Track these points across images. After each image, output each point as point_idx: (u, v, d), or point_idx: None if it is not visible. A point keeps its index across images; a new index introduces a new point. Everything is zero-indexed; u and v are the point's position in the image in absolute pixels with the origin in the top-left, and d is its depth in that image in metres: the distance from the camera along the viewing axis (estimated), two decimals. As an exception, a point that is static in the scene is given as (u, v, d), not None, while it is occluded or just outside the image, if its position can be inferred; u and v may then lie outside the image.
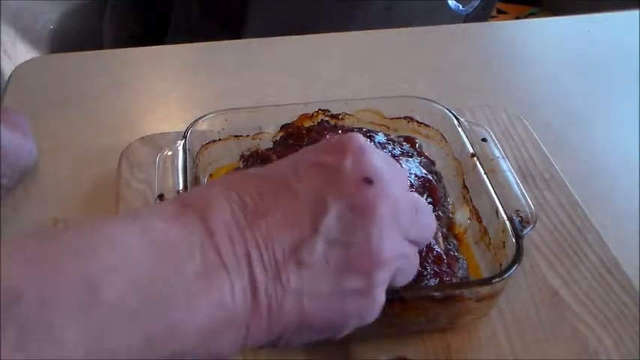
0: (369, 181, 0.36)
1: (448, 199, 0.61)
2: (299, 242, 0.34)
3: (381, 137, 0.62)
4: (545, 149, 0.71)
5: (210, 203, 0.34)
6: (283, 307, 0.34)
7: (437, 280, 0.50)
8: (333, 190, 0.36)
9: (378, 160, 0.38)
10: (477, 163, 0.59)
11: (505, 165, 0.58)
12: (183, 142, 0.59)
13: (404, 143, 0.63)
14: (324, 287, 0.35)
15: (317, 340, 0.38)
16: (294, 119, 0.65)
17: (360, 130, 0.63)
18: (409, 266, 0.41)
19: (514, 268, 0.49)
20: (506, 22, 1.94)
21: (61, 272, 0.28)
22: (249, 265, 0.33)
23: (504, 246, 0.53)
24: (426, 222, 0.42)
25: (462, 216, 0.60)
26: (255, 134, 0.65)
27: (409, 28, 0.98)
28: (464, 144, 0.61)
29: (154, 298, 0.30)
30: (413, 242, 0.41)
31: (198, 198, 0.35)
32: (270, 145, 0.63)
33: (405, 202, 0.39)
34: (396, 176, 0.39)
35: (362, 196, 0.36)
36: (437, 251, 0.51)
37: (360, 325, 0.39)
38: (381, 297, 0.38)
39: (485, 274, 0.54)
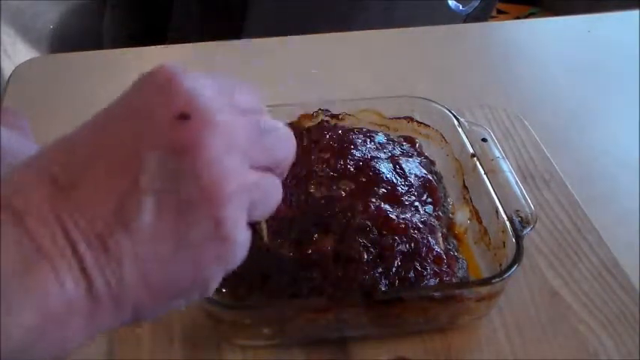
0: (184, 116, 0.31)
1: (448, 199, 0.61)
2: (120, 206, 0.30)
3: (381, 137, 0.62)
4: (545, 149, 0.71)
5: (17, 189, 0.30)
6: (124, 280, 0.30)
7: (437, 280, 0.50)
8: (146, 138, 0.31)
9: (195, 84, 0.33)
10: (477, 163, 0.59)
11: (505, 165, 0.58)
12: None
13: (404, 143, 0.63)
14: (165, 246, 0.31)
15: (185, 305, 0.34)
16: (294, 119, 0.65)
17: (360, 130, 0.63)
18: (266, 195, 0.36)
19: (514, 268, 0.49)
20: (506, 22, 1.94)
21: None
22: (72, 246, 0.29)
23: (504, 246, 0.53)
24: (273, 142, 0.36)
25: (462, 216, 0.60)
26: (255, 134, 0.65)
27: (409, 28, 0.97)
28: (464, 144, 0.61)
29: None
30: (264, 168, 0.35)
31: (6, 185, 0.30)
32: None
33: (241, 126, 0.34)
34: (221, 95, 0.34)
35: (180, 137, 0.31)
36: (437, 251, 0.51)
37: (227, 271, 0.34)
38: (240, 236, 0.33)
39: (486, 274, 0.54)
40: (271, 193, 0.37)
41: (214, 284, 0.34)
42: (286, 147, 0.38)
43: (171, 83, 0.33)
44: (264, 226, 0.48)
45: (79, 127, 0.33)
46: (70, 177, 0.30)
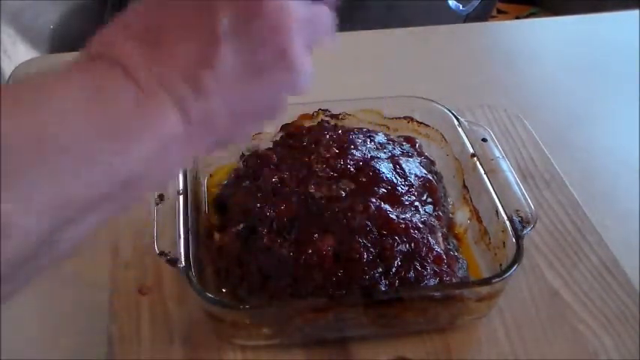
0: None
1: (448, 199, 0.61)
2: (205, 48, 0.35)
3: (381, 137, 0.62)
4: (545, 149, 0.71)
5: (113, 47, 0.35)
6: (213, 109, 0.36)
7: (437, 280, 0.50)
8: None
9: None
10: (477, 163, 0.59)
11: (505, 165, 0.58)
12: (183, 142, 0.59)
13: (404, 143, 0.63)
14: (243, 76, 0.36)
15: (257, 129, 0.41)
16: (294, 119, 0.65)
17: (360, 130, 0.63)
18: (321, 22, 0.42)
19: (514, 268, 0.49)
20: (506, 22, 1.94)
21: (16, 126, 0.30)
22: (170, 84, 0.34)
23: (504, 246, 0.53)
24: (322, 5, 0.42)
25: (462, 216, 0.60)
26: (255, 134, 0.65)
27: (409, 28, 0.97)
28: (464, 144, 0.61)
29: (98, 134, 0.32)
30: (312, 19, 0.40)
31: (105, 42, 0.36)
32: (270, 145, 0.63)
33: None
34: None
35: None
36: (437, 251, 0.51)
37: (294, 94, 0.40)
38: (303, 65, 0.39)
39: (486, 274, 0.54)
40: (325, 20, 0.42)
41: (283, 107, 0.41)
42: (326, 14, 0.43)
43: None
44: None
45: None
46: (155, 34, 0.35)
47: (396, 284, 0.49)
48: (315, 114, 0.66)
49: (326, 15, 0.42)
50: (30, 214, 0.29)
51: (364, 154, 0.58)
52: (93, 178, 0.31)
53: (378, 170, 0.56)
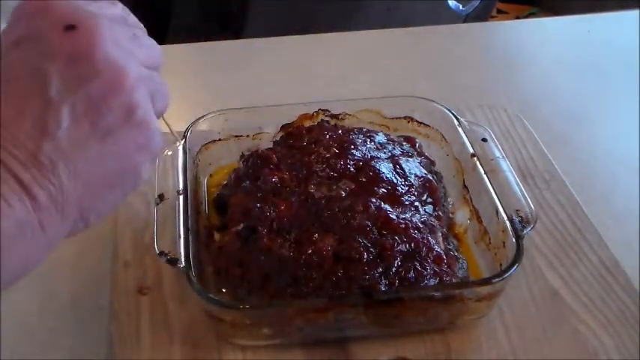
0: (70, 27, 0.35)
1: (448, 199, 0.61)
2: (40, 122, 0.33)
3: (381, 137, 0.62)
4: (545, 149, 0.71)
5: None
6: (62, 186, 0.33)
7: (437, 280, 0.50)
8: (43, 56, 0.34)
9: (69, 1, 0.36)
10: (477, 163, 0.59)
11: (505, 165, 0.58)
12: (183, 142, 0.59)
13: (404, 143, 0.63)
14: (90, 144, 0.34)
15: (124, 196, 0.38)
16: (294, 119, 0.65)
17: (360, 130, 0.63)
18: (160, 87, 0.40)
19: (514, 268, 0.49)
20: (506, 22, 1.94)
21: None
22: (8, 170, 0.32)
23: (504, 246, 0.53)
24: (148, 43, 0.41)
25: (462, 216, 0.60)
26: (255, 134, 0.65)
27: (409, 28, 0.98)
28: (464, 144, 0.61)
29: None
30: (147, 66, 0.39)
31: None
32: (270, 145, 0.63)
33: (120, 30, 0.38)
34: (100, 8, 0.38)
35: (73, 45, 0.35)
36: (437, 251, 0.51)
37: (152, 157, 0.39)
38: (153, 122, 0.38)
39: (486, 274, 0.54)
40: (164, 87, 0.41)
41: (145, 172, 0.38)
42: (158, 47, 0.42)
43: (47, 5, 0.36)
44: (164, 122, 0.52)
45: None
46: None
47: (396, 284, 0.49)
48: (315, 114, 0.66)
49: (163, 82, 0.41)
50: None
51: (364, 154, 0.58)
52: None
53: (378, 170, 0.56)
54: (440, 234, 0.54)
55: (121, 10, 0.40)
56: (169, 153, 0.58)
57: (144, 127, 0.37)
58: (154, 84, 0.39)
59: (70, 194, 0.34)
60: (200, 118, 0.62)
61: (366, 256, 0.49)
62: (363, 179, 0.55)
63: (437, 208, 0.57)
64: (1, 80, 0.34)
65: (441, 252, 0.52)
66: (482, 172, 0.58)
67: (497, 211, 0.54)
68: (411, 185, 0.56)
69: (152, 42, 0.41)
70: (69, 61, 0.34)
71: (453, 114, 0.64)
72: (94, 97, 0.34)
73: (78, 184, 0.34)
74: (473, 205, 0.59)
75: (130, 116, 0.36)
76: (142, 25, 0.42)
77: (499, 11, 2.26)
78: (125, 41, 0.38)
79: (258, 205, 0.54)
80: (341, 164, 0.56)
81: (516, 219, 0.53)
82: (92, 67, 0.35)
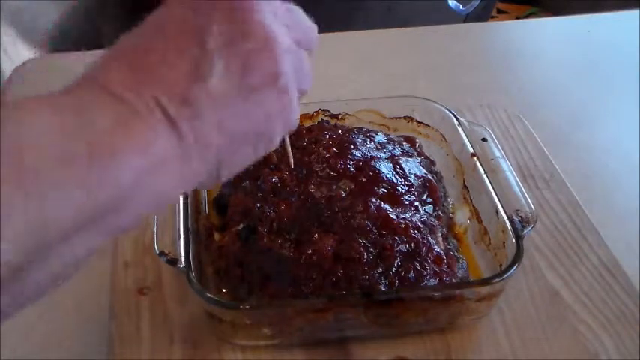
0: None
1: (448, 199, 0.61)
2: (194, 67, 0.35)
3: (381, 137, 0.62)
4: (545, 149, 0.71)
5: (102, 73, 0.35)
6: (205, 129, 0.35)
7: (437, 280, 0.50)
8: (204, 13, 0.36)
9: None
10: (477, 163, 0.59)
11: (505, 165, 0.58)
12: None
13: (404, 143, 0.63)
14: (236, 96, 0.36)
15: (255, 158, 0.39)
16: (294, 119, 0.65)
17: (360, 130, 0.63)
18: (305, 67, 0.42)
19: (514, 268, 0.49)
20: (506, 22, 1.94)
21: None
22: (159, 104, 0.33)
23: (504, 246, 0.53)
24: (302, 19, 0.43)
25: (462, 216, 0.60)
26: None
27: (409, 28, 0.98)
28: (464, 144, 0.61)
29: (76, 151, 0.30)
30: (298, 42, 0.41)
31: (91, 73, 0.35)
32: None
33: (277, 2, 0.40)
34: None
35: (232, 6, 0.37)
36: (437, 251, 0.51)
37: (287, 128, 0.40)
38: (294, 95, 0.39)
39: (486, 274, 0.54)
40: (307, 67, 0.42)
41: (277, 138, 0.40)
42: (312, 26, 0.44)
43: None
44: (289, 148, 0.54)
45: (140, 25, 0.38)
46: (143, 58, 0.35)
47: (396, 284, 0.49)
48: (315, 114, 0.66)
49: (307, 60, 0.42)
50: (7, 240, 0.28)
51: (364, 154, 0.58)
52: (69, 199, 0.30)
53: (378, 170, 0.56)
54: (440, 234, 0.54)
55: None
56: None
57: (285, 94, 0.38)
58: (300, 62, 0.40)
59: (211, 140, 0.35)
60: (200, 118, 0.62)
61: (366, 256, 0.50)
62: (363, 179, 0.55)
63: (437, 208, 0.57)
64: (161, 24, 0.37)
65: (441, 252, 0.52)
66: (482, 172, 0.58)
67: (497, 211, 0.54)
68: (411, 185, 0.56)
69: (310, 24, 0.44)
70: (226, 17, 0.36)
71: (453, 114, 0.64)
72: (245, 55, 0.36)
73: (219, 129, 0.36)
74: (473, 205, 0.59)
75: (274, 81, 0.37)
76: (292, 4, 0.43)
77: (499, 11, 2.26)
78: (281, 11, 0.40)
79: (258, 205, 0.54)
80: (341, 164, 0.56)
81: (516, 219, 0.53)
82: (247, 28, 0.37)
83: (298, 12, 0.43)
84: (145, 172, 0.32)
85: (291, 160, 0.55)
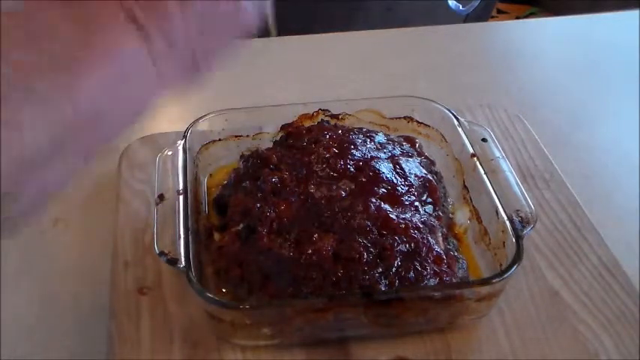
0: None
1: (448, 199, 0.61)
2: None
3: (381, 137, 0.62)
4: (545, 149, 0.71)
5: None
6: (173, 20, 0.34)
7: (437, 280, 0.50)
8: None
9: None
10: (477, 163, 0.59)
11: (505, 165, 0.58)
12: (183, 142, 0.59)
13: (404, 143, 0.63)
14: None
15: (230, 44, 0.38)
16: (294, 119, 0.65)
17: (360, 130, 0.63)
18: None
19: (514, 268, 0.49)
20: (506, 22, 1.94)
21: None
22: (122, 8, 0.32)
23: (504, 246, 0.53)
24: None
25: (462, 216, 0.60)
26: (255, 134, 0.65)
27: (409, 28, 0.98)
28: (464, 144, 0.61)
29: (39, 67, 0.29)
30: None
31: None
32: (270, 145, 0.63)
33: None
34: None
35: None
36: (437, 251, 0.51)
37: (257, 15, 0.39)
38: None
39: (486, 274, 0.54)
40: None
41: (248, 17, 0.38)
42: None
43: None
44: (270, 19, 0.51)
45: None
46: None
47: (396, 284, 0.49)
48: (315, 114, 0.66)
49: None
50: None
51: (364, 154, 0.58)
52: (42, 116, 0.29)
53: (378, 170, 0.56)
54: (440, 234, 0.54)
55: None
56: (169, 153, 0.58)
57: None
58: None
59: (180, 30, 0.34)
60: (200, 118, 0.62)
61: (366, 256, 0.50)
62: (363, 179, 0.55)
63: (437, 208, 0.57)
64: None
65: (441, 252, 0.52)
66: (482, 172, 0.58)
67: (497, 211, 0.54)
68: (411, 185, 0.56)
69: None
70: None
71: (453, 114, 0.64)
72: None
73: (188, 20, 0.34)
74: (473, 205, 0.59)
75: None
76: None
77: (499, 11, 2.26)
78: None
79: (258, 205, 0.54)
80: (341, 164, 0.56)
81: (516, 219, 0.53)
82: None
83: None
84: (115, 79, 0.32)
85: (274, 32, 0.53)
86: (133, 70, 0.32)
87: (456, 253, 0.55)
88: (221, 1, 0.36)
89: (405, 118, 0.66)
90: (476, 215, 0.59)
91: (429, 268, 0.50)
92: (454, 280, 0.51)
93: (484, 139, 0.61)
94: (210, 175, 0.64)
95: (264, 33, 0.53)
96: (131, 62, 0.32)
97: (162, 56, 0.34)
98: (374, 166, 0.56)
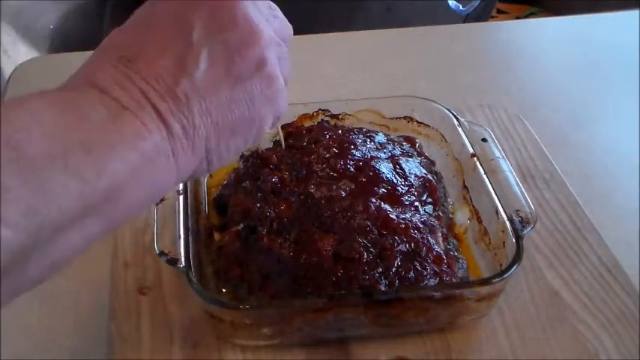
0: None
1: (448, 199, 0.61)
2: (180, 61, 0.36)
3: (381, 137, 0.62)
4: (545, 149, 0.71)
5: (93, 70, 0.36)
6: (194, 121, 0.36)
7: (437, 280, 0.50)
8: (188, 5, 0.38)
9: None
10: (477, 163, 0.59)
11: (505, 165, 0.58)
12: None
13: (404, 143, 0.63)
14: (222, 87, 0.38)
15: (247, 144, 0.41)
16: (294, 119, 0.65)
17: (360, 130, 0.63)
18: (286, 56, 0.43)
19: (514, 268, 0.49)
20: (506, 22, 1.94)
21: None
22: (147, 99, 0.35)
23: (504, 246, 0.53)
24: (282, 17, 0.45)
25: (462, 216, 0.60)
26: (255, 134, 0.65)
27: (409, 28, 0.98)
28: (464, 144, 0.61)
29: (72, 144, 0.32)
30: (278, 36, 0.42)
31: (83, 71, 0.37)
32: (270, 145, 0.63)
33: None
34: None
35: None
36: (437, 251, 0.51)
37: (276, 113, 0.42)
38: (281, 80, 0.41)
39: (486, 274, 0.54)
40: (287, 57, 0.44)
41: (267, 124, 0.42)
42: (289, 26, 0.45)
43: None
44: (281, 132, 0.58)
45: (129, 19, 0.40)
46: (134, 51, 0.36)
47: (396, 284, 0.49)
48: (315, 114, 0.66)
49: (287, 57, 0.44)
50: (8, 225, 0.29)
51: (364, 154, 0.58)
52: (66, 189, 0.31)
53: (378, 170, 0.56)
54: (440, 234, 0.54)
55: None
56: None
57: (272, 81, 0.40)
58: (282, 52, 0.42)
59: (200, 130, 0.37)
60: (200, 118, 0.62)
61: (366, 256, 0.50)
62: (363, 179, 0.55)
63: (437, 208, 0.57)
64: (148, 20, 0.38)
65: (441, 252, 0.52)
66: (483, 172, 0.58)
67: (497, 211, 0.54)
68: (411, 185, 0.56)
69: (285, 19, 0.45)
70: (211, 11, 0.38)
71: (452, 114, 0.64)
72: (230, 46, 0.38)
73: (208, 122, 0.37)
74: (473, 205, 0.59)
75: (260, 68, 0.39)
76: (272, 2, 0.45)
77: (499, 11, 2.26)
78: (263, 7, 0.42)
79: (258, 205, 0.54)
80: (341, 164, 0.56)
81: (516, 219, 0.53)
82: (232, 20, 0.38)
83: (277, 9, 0.44)
84: (137, 164, 0.34)
85: (283, 144, 0.58)
86: (152, 157, 0.34)
87: (456, 253, 0.55)
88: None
89: (405, 118, 0.66)
90: (476, 215, 0.59)
91: (429, 268, 0.50)
92: (454, 280, 0.51)
93: (484, 139, 0.61)
94: (210, 175, 0.64)
95: None
96: (151, 149, 0.34)
97: (179, 147, 0.36)
98: (374, 166, 0.56)
